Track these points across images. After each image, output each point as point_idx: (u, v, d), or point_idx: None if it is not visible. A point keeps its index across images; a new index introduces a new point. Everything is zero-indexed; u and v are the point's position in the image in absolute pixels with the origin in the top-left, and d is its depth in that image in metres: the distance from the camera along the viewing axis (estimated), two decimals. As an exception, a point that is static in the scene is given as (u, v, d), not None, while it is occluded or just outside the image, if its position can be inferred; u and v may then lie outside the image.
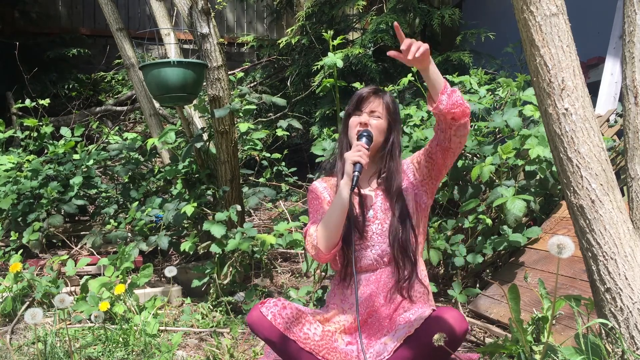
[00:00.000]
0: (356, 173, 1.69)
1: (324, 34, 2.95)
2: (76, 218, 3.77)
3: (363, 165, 1.70)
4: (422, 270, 1.84)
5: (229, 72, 3.43)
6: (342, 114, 3.18)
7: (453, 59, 4.44)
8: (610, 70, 3.49)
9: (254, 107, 2.88)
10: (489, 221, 2.54)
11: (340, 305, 1.83)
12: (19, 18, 6.59)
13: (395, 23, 1.65)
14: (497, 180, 2.63)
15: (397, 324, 1.72)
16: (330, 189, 1.90)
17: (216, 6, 6.61)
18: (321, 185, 1.93)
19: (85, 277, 2.67)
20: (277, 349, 1.73)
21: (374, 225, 1.80)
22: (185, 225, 3.16)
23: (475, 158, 2.83)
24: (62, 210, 3.41)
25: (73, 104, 5.74)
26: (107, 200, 3.64)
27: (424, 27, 5.63)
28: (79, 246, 3.40)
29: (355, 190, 1.81)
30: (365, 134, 1.77)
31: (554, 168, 2.54)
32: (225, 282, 2.71)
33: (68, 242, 3.42)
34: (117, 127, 5.56)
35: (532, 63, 1.46)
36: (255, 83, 5.73)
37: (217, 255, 2.71)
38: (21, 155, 3.89)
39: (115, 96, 6.36)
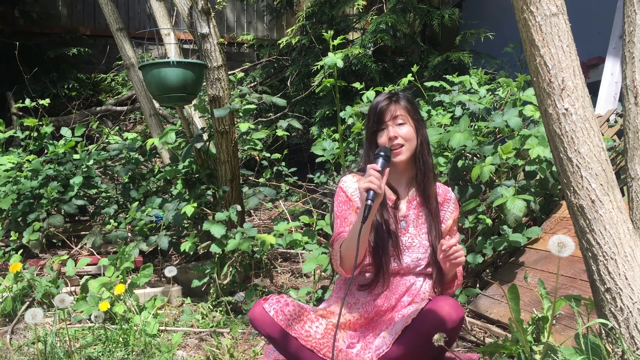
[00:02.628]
0: (369, 202, 1.59)
1: (324, 34, 2.95)
2: (76, 218, 3.76)
3: (376, 192, 1.61)
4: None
5: (229, 72, 3.43)
6: (342, 114, 3.19)
7: (453, 59, 4.44)
8: (610, 70, 3.49)
9: (254, 107, 2.88)
10: (489, 221, 2.54)
11: (346, 299, 1.83)
12: (19, 18, 6.58)
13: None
14: (497, 180, 2.63)
15: (395, 320, 1.74)
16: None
17: (216, 6, 6.61)
18: (352, 186, 1.82)
19: (86, 277, 2.67)
20: (278, 346, 1.73)
21: (404, 237, 1.80)
22: (185, 225, 3.16)
23: (475, 158, 2.83)
24: (62, 210, 3.41)
25: (73, 104, 5.74)
26: (107, 200, 3.64)
27: (424, 27, 5.64)
28: (79, 246, 3.40)
29: (392, 198, 1.80)
30: (382, 153, 1.70)
31: (554, 168, 2.53)
32: (225, 282, 2.71)
33: (68, 242, 3.41)
34: (117, 127, 5.55)
35: (532, 63, 1.46)
36: (255, 83, 5.73)
37: (217, 255, 2.71)
38: (21, 155, 3.89)
39: (116, 96, 6.36)
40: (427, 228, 1.81)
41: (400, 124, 1.77)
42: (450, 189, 1.93)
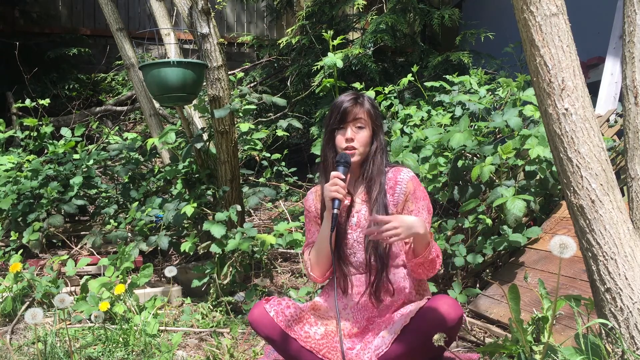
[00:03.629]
0: (335, 211, 1.70)
1: (324, 34, 2.95)
2: (76, 218, 3.76)
3: (341, 200, 1.71)
4: (418, 286, 1.83)
5: (229, 72, 3.43)
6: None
7: (453, 59, 4.44)
8: (610, 70, 3.49)
9: (254, 107, 2.88)
10: (489, 221, 2.54)
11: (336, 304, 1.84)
12: (19, 18, 6.58)
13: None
14: (497, 180, 2.63)
15: (394, 319, 1.75)
16: (317, 200, 1.90)
17: (216, 6, 6.61)
18: (310, 197, 1.93)
19: (86, 277, 2.67)
20: (278, 347, 1.74)
21: (355, 233, 1.81)
22: (185, 225, 3.16)
23: (475, 158, 2.83)
24: (62, 210, 3.41)
25: (73, 104, 5.74)
26: (107, 200, 3.64)
27: (424, 27, 5.63)
28: (79, 246, 3.39)
29: (349, 199, 1.82)
30: (342, 160, 1.74)
31: (554, 168, 2.53)
32: (225, 282, 2.71)
33: (68, 242, 3.41)
34: (117, 127, 5.56)
35: (532, 63, 1.46)
36: (255, 83, 5.73)
37: (217, 255, 2.71)
38: (21, 155, 3.89)
39: (116, 96, 6.36)
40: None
41: (359, 127, 1.78)
42: (405, 169, 1.82)
